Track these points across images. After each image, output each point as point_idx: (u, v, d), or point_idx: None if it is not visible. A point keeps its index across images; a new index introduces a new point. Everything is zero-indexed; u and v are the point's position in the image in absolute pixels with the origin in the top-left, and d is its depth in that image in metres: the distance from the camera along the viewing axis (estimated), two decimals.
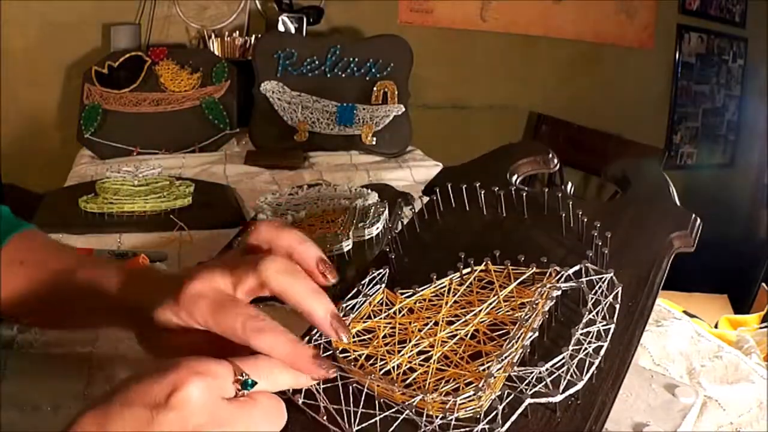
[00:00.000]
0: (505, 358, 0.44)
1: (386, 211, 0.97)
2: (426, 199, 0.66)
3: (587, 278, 0.51)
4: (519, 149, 0.70)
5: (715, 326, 1.28)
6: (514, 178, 0.68)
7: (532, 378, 0.43)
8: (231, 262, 0.44)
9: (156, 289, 0.45)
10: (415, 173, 1.47)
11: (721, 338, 0.86)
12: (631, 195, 0.64)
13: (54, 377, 0.68)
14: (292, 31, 1.88)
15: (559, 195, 0.61)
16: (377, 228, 0.92)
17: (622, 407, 0.57)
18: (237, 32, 1.98)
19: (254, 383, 0.38)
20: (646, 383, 0.60)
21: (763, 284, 1.90)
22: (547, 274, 0.52)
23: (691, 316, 1.09)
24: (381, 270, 0.54)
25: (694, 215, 0.59)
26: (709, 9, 2.73)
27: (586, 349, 0.45)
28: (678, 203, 0.62)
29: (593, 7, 2.49)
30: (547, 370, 0.43)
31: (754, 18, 2.80)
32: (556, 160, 0.69)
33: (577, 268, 0.51)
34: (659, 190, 0.63)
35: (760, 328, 1.17)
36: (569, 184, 0.65)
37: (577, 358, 0.44)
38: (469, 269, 0.53)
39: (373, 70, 1.68)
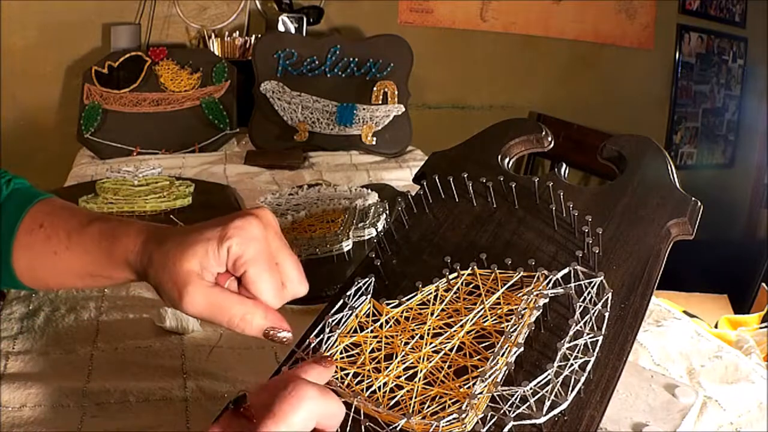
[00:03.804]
0: (489, 377, 0.43)
1: (386, 211, 0.97)
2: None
3: (576, 283, 0.50)
4: (510, 128, 0.67)
5: (715, 326, 1.28)
6: (506, 160, 0.66)
7: (515, 398, 0.42)
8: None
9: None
10: (415, 173, 1.47)
11: (721, 338, 0.86)
12: (626, 177, 0.61)
13: (54, 377, 0.68)
14: (292, 31, 1.88)
15: (550, 185, 0.59)
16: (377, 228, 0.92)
17: (622, 407, 0.57)
18: (237, 32, 1.98)
19: None
20: (646, 383, 0.60)
21: (763, 284, 1.90)
22: (535, 278, 0.51)
23: (691, 316, 1.09)
24: (367, 279, 0.53)
25: (693, 199, 0.57)
26: (709, 9, 2.73)
27: (572, 365, 0.44)
28: (677, 184, 0.59)
29: (593, 7, 2.48)
30: (531, 389, 0.42)
31: (754, 18, 2.79)
32: (550, 138, 0.66)
33: (565, 271, 0.50)
34: (657, 171, 0.60)
35: (760, 328, 1.17)
36: (563, 167, 0.62)
37: (562, 376, 0.43)
38: (455, 274, 0.53)
39: (373, 70, 1.68)
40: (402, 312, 0.51)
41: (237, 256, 0.47)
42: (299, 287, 0.49)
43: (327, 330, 0.49)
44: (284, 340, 0.47)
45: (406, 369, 0.47)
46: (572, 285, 0.50)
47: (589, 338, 0.46)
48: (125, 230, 0.53)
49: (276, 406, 0.38)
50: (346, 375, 0.47)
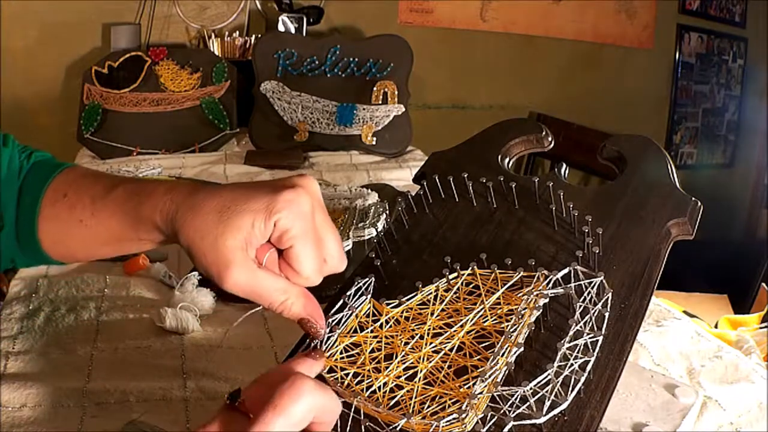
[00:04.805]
0: (489, 377, 0.43)
1: (386, 211, 0.97)
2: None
3: (576, 283, 0.50)
4: (510, 128, 0.67)
5: (715, 326, 1.28)
6: (506, 160, 0.65)
7: (515, 398, 0.42)
8: None
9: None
10: (414, 173, 1.47)
11: (721, 338, 0.86)
12: (626, 177, 0.61)
13: (54, 377, 0.68)
14: (292, 31, 1.88)
15: (550, 185, 0.59)
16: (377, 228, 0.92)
17: (622, 407, 0.57)
18: (237, 32, 1.98)
19: None
20: (646, 383, 0.60)
21: (763, 284, 1.90)
22: (535, 278, 0.51)
23: (691, 316, 1.09)
24: (367, 279, 0.53)
25: (693, 199, 0.57)
26: (709, 9, 2.73)
27: (572, 365, 0.44)
28: (677, 184, 0.59)
29: (593, 7, 2.49)
30: (531, 389, 0.42)
31: (754, 18, 2.79)
32: (550, 138, 0.66)
33: (565, 271, 0.50)
34: (657, 171, 0.60)
35: (760, 328, 1.17)
36: (564, 167, 0.62)
37: (562, 376, 0.43)
38: (455, 274, 0.53)
39: (373, 70, 1.68)
40: (402, 312, 0.51)
41: (284, 231, 0.45)
42: (339, 264, 0.48)
43: (327, 330, 0.49)
44: (312, 330, 0.47)
45: (406, 369, 0.47)
46: (572, 285, 0.50)
47: (589, 338, 0.46)
48: (152, 189, 0.50)
49: (276, 399, 0.38)
50: (346, 375, 0.47)
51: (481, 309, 0.49)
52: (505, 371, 0.44)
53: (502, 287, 0.51)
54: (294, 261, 0.46)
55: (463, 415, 0.41)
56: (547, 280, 0.50)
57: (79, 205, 0.54)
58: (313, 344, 0.48)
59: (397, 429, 0.42)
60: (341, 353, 0.48)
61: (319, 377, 0.46)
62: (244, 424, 0.38)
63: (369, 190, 1.08)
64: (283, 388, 0.38)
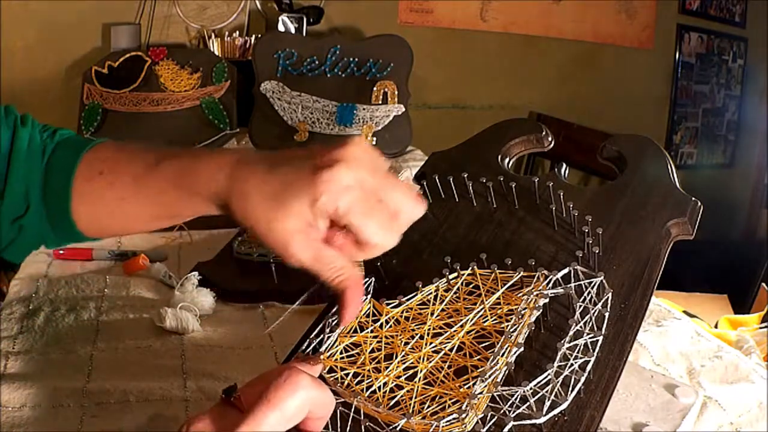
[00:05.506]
0: (489, 377, 0.43)
1: None
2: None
3: (576, 283, 0.50)
4: (510, 128, 0.67)
5: (715, 326, 1.28)
6: (506, 160, 0.66)
7: (515, 398, 0.42)
8: None
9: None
10: (415, 173, 1.47)
11: (721, 338, 0.86)
12: (626, 178, 0.61)
13: (54, 377, 0.68)
14: (292, 31, 1.88)
15: (550, 185, 0.59)
16: None
17: (622, 407, 0.57)
18: (237, 32, 1.98)
19: None
20: (646, 383, 0.60)
21: (763, 284, 1.90)
22: (535, 278, 0.51)
23: (691, 316, 1.09)
24: (367, 279, 0.53)
25: (693, 199, 0.57)
26: (709, 9, 2.73)
27: (572, 365, 0.44)
28: (677, 184, 0.59)
29: (593, 7, 2.49)
30: (531, 389, 0.42)
31: (754, 18, 2.79)
32: (550, 138, 0.66)
33: (565, 271, 0.50)
34: (657, 171, 0.60)
35: (760, 328, 1.17)
36: (564, 167, 0.62)
37: (562, 376, 0.43)
38: (455, 274, 0.53)
39: (373, 70, 1.68)
40: (402, 312, 0.51)
41: (332, 212, 0.45)
42: (414, 211, 0.48)
43: (327, 330, 0.49)
44: (340, 316, 0.48)
45: (406, 369, 0.47)
46: (572, 285, 0.50)
47: (589, 338, 0.46)
48: (200, 167, 0.51)
49: (271, 392, 0.38)
50: (346, 375, 0.47)
51: (481, 309, 0.49)
52: (505, 371, 0.44)
53: (502, 287, 0.51)
54: (357, 234, 0.46)
55: (463, 415, 0.41)
56: (547, 280, 0.50)
57: (118, 183, 0.54)
58: (311, 347, 0.49)
59: (397, 429, 0.42)
60: (341, 353, 0.48)
61: (319, 377, 0.46)
62: (237, 418, 0.38)
63: None
64: (278, 382, 0.39)
